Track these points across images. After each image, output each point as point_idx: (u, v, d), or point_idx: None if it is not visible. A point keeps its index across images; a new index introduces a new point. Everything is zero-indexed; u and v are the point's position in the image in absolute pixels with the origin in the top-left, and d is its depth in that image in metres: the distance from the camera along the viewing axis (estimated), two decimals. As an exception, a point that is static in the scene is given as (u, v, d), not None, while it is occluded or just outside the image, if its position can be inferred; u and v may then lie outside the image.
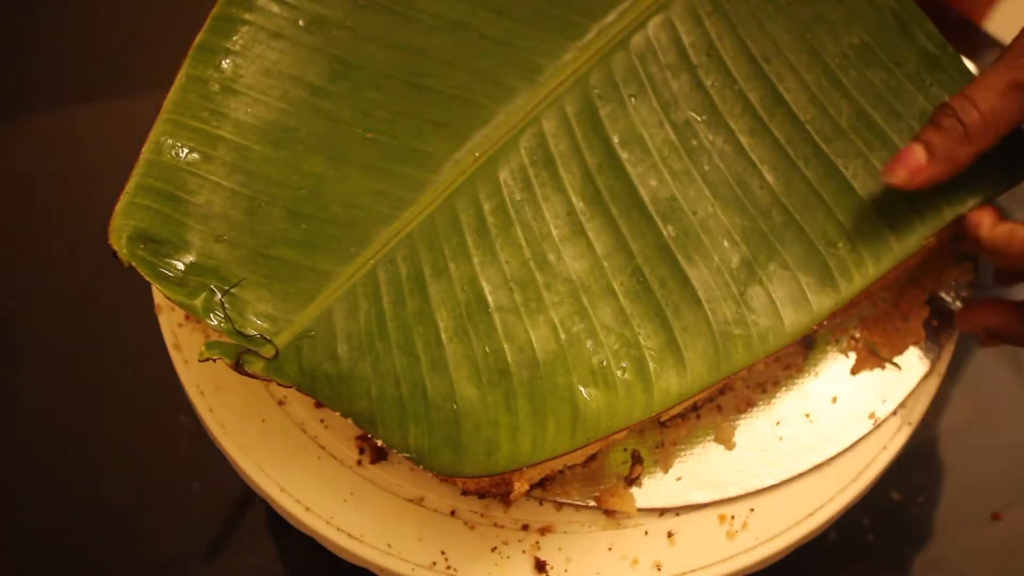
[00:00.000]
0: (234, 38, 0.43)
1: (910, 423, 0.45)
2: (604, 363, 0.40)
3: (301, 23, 0.44)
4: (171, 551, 0.54)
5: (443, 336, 0.40)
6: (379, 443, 0.39)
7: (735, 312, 0.41)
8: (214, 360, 0.39)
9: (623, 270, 0.42)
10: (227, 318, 0.40)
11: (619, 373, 0.40)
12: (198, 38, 0.43)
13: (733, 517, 0.43)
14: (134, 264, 0.40)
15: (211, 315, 0.40)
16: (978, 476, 0.56)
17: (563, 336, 0.40)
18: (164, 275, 0.40)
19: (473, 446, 0.39)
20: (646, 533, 0.42)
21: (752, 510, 0.43)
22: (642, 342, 0.40)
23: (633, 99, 0.44)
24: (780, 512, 0.43)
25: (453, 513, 0.43)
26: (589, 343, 0.40)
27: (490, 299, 0.41)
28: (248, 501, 0.54)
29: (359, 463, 0.44)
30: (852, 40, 0.44)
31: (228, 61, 0.43)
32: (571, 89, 0.44)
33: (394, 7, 0.44)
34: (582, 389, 0.39)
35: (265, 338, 0.40)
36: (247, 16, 0.43)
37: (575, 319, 0.41)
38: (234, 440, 0.44)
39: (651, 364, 0.40)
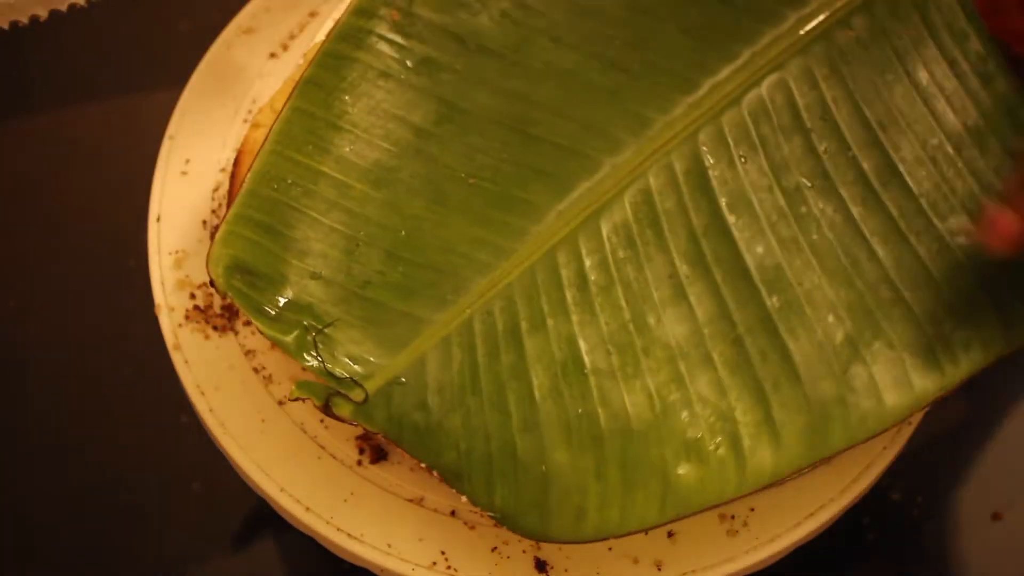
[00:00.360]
0: (342, 74, 0.42)
1: (910, 423, 0.45)
2: (699, 436, 0.39)
3: (409, 64, 0.43)
4: (171, 551, 0.54)
5: (537, 394, 0.40)
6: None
7: (835, 391, 0.40)
8: (303, 400, 0.39)
9: (724, 339, 0.40)
10: (319, 358, 0.39)
11: (713, 448, 0.39)
12: (306, 72, 0.42)
13: (733, 517, 0.43)
14: (230, 295, 0.40)
15: (303, 354, 0.39)
16: (978, 476, 0.56)
17: (658, 405, 0.39)
18: (260, 309, 0.40)
19: (561, 511, 0.38)
20: (646, 533, 0.42)
21: (752, 510, 0.43)
22: (738, 416, 0.39)
23: (743, 160, 0.42)
24: (780, 512, 0.43)
25: (453, 513, 0.43)
26: (684, 414, 0.39)
27: (587, 360, 0.40)
28: (248, 501, 0.54)
29: (359, 463, 0.44)
30: (967, 120, 0.42)
31: (334, 97, 0.42)
32: (680, 146, 0.43)
33: (504, 52, 0.43)
34: (675, 462, 0.39)
35: (355, 381, 0.40)
36: (356, 54, 0.43)
37: (672, 388, 0.40)
38: (234, 440, 0.44)
39: (746, 440, 0.39)
